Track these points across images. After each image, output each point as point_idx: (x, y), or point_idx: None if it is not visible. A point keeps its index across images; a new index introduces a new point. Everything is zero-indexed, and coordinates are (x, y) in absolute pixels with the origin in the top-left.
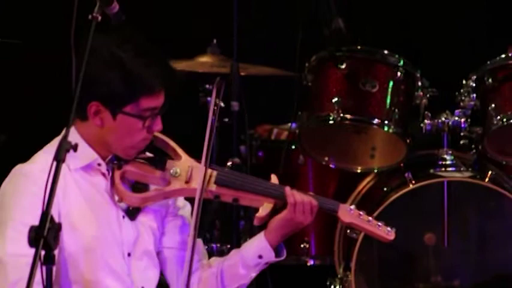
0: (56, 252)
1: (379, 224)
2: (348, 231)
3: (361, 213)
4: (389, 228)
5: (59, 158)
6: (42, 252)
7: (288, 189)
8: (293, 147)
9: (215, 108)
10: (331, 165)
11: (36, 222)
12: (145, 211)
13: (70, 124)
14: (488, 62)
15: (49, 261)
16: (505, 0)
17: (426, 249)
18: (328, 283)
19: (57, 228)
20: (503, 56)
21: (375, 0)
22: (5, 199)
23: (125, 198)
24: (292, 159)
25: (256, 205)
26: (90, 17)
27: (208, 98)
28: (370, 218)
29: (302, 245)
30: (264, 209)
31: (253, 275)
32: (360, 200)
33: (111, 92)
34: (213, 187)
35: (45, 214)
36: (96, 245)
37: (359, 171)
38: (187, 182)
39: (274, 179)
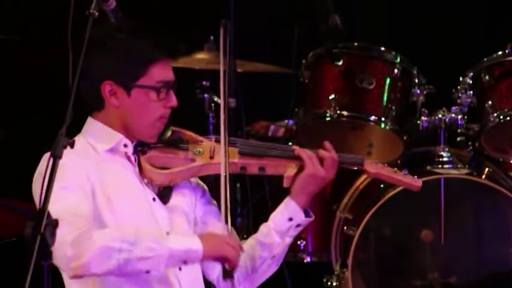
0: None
1: (405, 172)
2: (345, 228)
3: (385, 164)
4: (415, 177)
5: (56, 154)
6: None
7: (296, 147)
8: (290, 143)
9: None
10: None
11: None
12: (177, 195)
13: (68, 116)
14: (485, 59)
15: (46, 257)
16: None
17: (423, 245)
18: (325, 280)
19: (54, 224)
20: (500, 53)
21: None
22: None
23: (154, 176)
24: None
25: (282, 171)
26: (87, 13)
27: (206, 95)
28: (394, 168)
29: (299, 242)
30: (291, 169)
31: (288, 241)
32: (357, 197)
33: (119, 69)
34: (237, 158)
35: (42, 210)
36: (134, 222)
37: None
38: (211, 158)
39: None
